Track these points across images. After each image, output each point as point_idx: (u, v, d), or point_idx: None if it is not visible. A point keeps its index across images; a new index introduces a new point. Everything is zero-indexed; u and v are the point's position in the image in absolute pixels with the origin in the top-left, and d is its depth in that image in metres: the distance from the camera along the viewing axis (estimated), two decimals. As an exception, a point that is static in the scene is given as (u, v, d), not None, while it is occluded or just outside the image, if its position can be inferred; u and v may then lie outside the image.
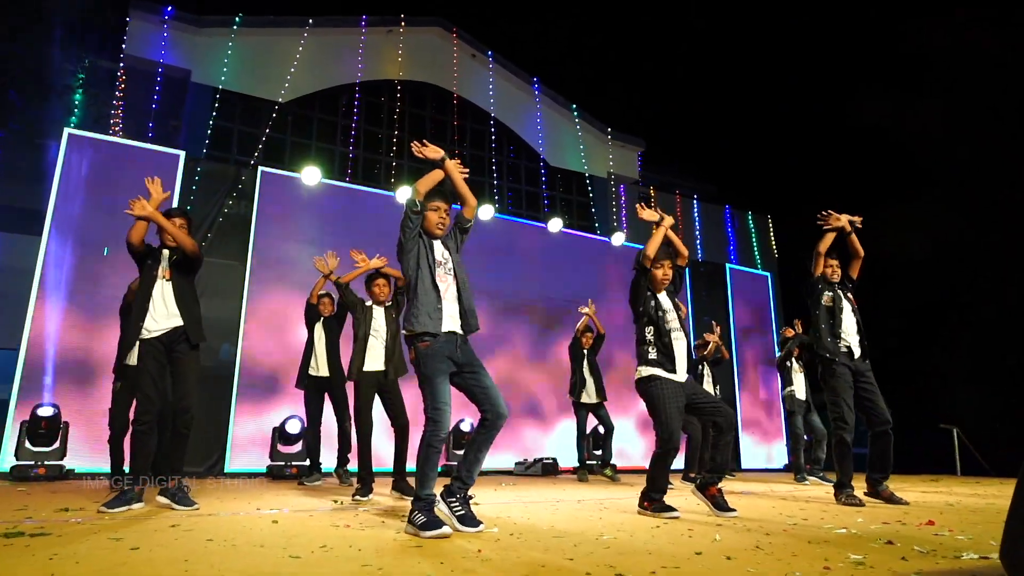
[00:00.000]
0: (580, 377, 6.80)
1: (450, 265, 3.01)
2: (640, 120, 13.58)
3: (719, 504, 3.40)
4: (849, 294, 4.39)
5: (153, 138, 7.98)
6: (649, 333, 3.52)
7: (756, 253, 12.45)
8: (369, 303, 4.60)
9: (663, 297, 3.64)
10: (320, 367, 5.71)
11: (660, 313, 3.53)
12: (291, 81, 9.60)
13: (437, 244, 3.03)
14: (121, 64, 8.67)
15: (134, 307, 3.71)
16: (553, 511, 3.54)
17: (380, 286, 4.59)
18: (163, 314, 3.64)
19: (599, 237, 10.43)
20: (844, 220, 4.30)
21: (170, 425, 3.66)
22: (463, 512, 2.74)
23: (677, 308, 3.61)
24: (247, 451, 6.85)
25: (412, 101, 10.85)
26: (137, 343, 3.62)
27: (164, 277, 3.72)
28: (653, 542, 2.46)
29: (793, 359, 6.69)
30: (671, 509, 3.29)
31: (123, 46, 8.78)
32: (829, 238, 4.35)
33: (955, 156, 10.28)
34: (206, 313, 7.17)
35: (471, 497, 2.88)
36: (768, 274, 11.96)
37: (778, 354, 7.09)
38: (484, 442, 2.84)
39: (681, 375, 3.47)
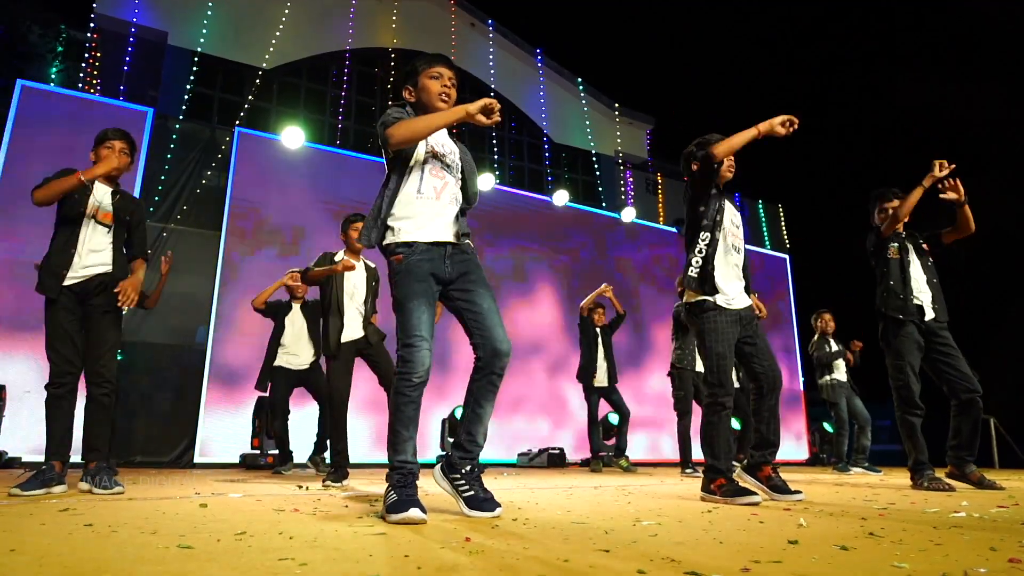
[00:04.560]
0: (591, 359, 6.07)
1: (454, 161, 2.24)
2: (649, 98, 12.89)
3: (778, 487, 2.68)
4: (922, 244, 3.63)
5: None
6: (703, 243, 2.75)
7: (767, 242, 11.74)
8: (340, 256, 3.80)
9: (728, 205, 2.86)
10: (301, 357, 5.03)
11: (719, 218, 2.77)
12: (276, 46, 8.90)
13: (442, 132, 2.25)
14: (92, 24, 7.99)
15: (53, 248, 2.99)
16: (567, 496, 2.83)
17: (358, 229, 3.73)
18: (85, 262, 2.94)
19: (607, 212, 9.69)
20: (961, 191, 3.38)
21: (90, 391, 2.94)
22: (471, 492, 2.01)
23: (737, 223, 2.88)
24: (220, 440, 6.14)
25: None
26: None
27: (98, 218, 3.02)
28: (715, 529, 1.75)
29: (833, 342, 5.99)
30: (748, 492, 2.45)
31: (94, 5, 8.11)
32: (916, 197, 3.42)
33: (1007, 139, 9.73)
34: (176, 289, 6.60)
35: (482, 469, 2.11)
36: (787, 256, 11.24)
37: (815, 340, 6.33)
38: (483, 392, 2.07)
39: (738, 301, 2.75)
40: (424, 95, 2.22)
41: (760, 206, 11.96)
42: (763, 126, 2.64)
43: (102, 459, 2.85)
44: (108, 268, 2.96)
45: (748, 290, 2.82)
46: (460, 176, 2.27)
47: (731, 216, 2.84)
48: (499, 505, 2.01)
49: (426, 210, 2.11)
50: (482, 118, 2.06)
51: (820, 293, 10.21)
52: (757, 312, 3.02)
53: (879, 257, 3.66)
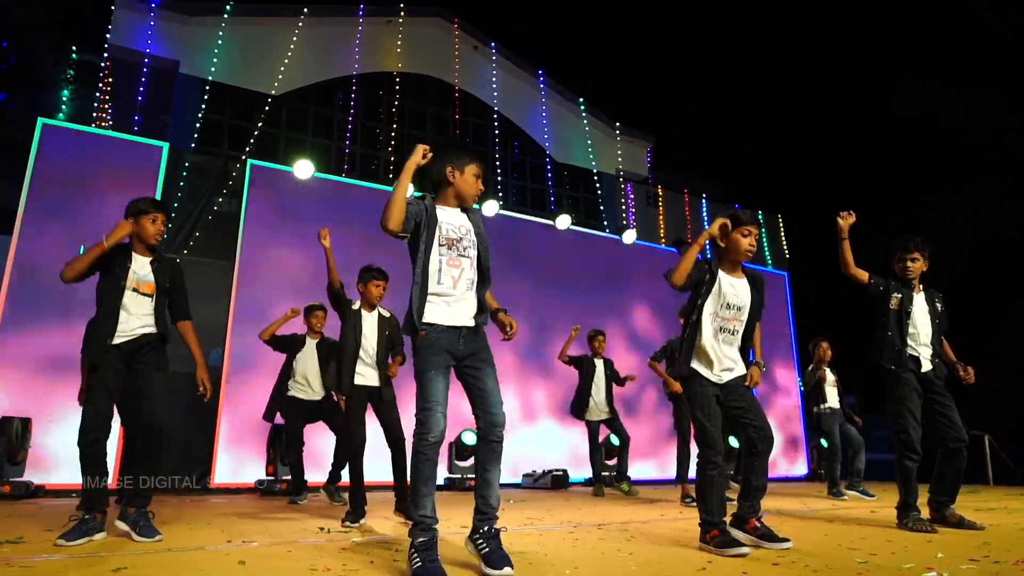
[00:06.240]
0: (586, 391, 6.25)
1: (470, 241, 2.53)
2: (650, 116, 13.12)
3: (765, 535, 2.89)
4: (935, 300, 3.76)
5: (139, 132, 7.50)
6: (690, 324, 3.01)
7: (767, 254, 11.94)
8: (357, 305, 4.02)
9: (728, 286, 2.99)
10: (313, 390, 5.23)
11: (703, 305, 2.97)
12: (284, 73, 9.13)
13: (457, 213, 2.55)
14: (106, 55, 8.22)
15: (99, 318, 3.17)
16: (573, 543, 3.04)
17: (379, 286, 3.95)
18: (131, 325, 3.13)
19: (609, 235, 9.90)
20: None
21: (139, 443, 3.17)
22: (488, 549, 2.29)
23: (740, 304, 3.00)
24: (236, 465, 6.36)
25: (412, 95, 10.37)
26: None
27: (139, 290, 3.18)
28: (707, 597, 1.95)
29: (827, 371, 6.20)
30: (737, 544, 2.70)
31: (108, 36, 8.34)
32: (845, 250, 3.59)
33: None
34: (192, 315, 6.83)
35: (501, 530, 2.38)
36: (785, 273, 11.43)
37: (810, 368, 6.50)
38: (487, 457, 2.41)
39: (725, 375, 2.96)
40: (464, 186, 2.54)
41: (760, 216, 12.14)
42: (702, 238, 3.00)
43: (145, 505, 3.05)
44: (153, 329, 3.17)
45: (747, 361, 3.02)
46: (476, 256, 2.53)
47: (729, 298, 2.97)
48: (511, 565, 2.24)
49: (446, 303, 2.43)
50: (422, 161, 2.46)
51: (819, 310, 10.41)
52: (747, 383, 3.01)
53: (880, 305, 3.71)
